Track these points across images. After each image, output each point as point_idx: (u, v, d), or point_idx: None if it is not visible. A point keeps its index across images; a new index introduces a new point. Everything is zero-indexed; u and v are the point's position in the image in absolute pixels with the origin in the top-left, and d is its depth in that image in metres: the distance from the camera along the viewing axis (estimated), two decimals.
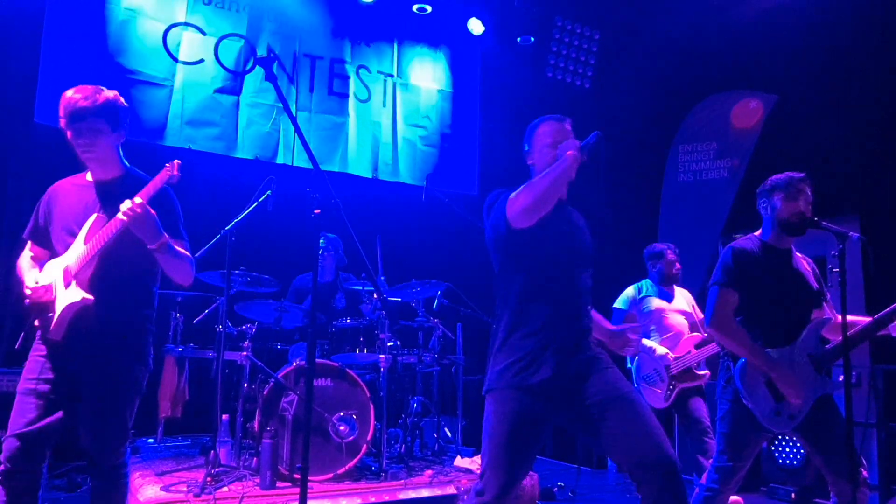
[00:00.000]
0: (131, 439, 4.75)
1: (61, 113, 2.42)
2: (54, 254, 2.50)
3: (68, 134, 2.43)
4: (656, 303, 4.35)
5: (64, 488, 4.37)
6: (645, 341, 4.20)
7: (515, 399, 2.28)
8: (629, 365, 4.56)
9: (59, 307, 2.35)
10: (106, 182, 2.53)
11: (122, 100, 2.53)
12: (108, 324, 2.41)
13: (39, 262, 2.55)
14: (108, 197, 2.46)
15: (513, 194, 2.35)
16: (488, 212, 2.52)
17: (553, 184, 2.26)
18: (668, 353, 4.13)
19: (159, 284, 2.69)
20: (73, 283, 2.34)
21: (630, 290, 4.49)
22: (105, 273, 2.40)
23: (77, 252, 2.38)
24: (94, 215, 2.39)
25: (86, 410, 2.41)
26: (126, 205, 2.25)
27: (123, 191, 2.41)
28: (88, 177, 2.56)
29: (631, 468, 2.18)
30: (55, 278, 2.41)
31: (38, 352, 2.42)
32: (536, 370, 2.26)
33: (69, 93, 2.42)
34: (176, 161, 2.40)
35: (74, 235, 2.42)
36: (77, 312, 2.34)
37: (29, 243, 2.63)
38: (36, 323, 2.41)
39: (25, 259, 2.60)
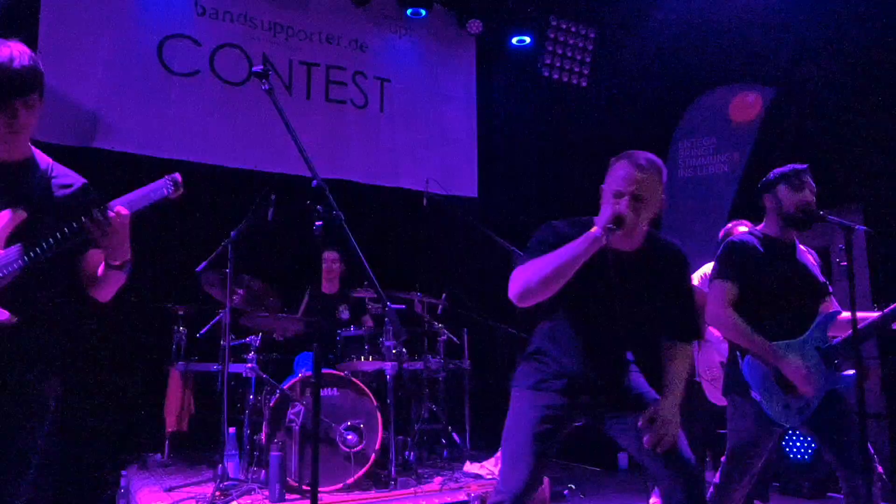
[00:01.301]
0: (138, 455, 4.79)
1: None
2: None
3: None
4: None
5: None
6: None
7: (537, 401, 2.30)
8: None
9: None
10: (8, 164, 1.91)
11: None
12: (13, 341, 1.84)
13: None
14: (19, 184, 1.91)
15: (519, 266, 2.24)
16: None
17: (558, 272, 2.13)
18: None
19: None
20: None
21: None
22: (25, 282, 1.85)
23: None
24: (7, 211, 1.84)
25: None
26: (107, 210, 1.82)
27: (31, 178, 1.94)
28: None
29: (653, 469, 2.22)
30: None
31: None
32: (557, 393, 2.28)
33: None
34: (176, 175, 2.00)
35: None
36: None
37: None
38: None
39: None
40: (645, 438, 2.14)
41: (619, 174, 2.22)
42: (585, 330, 2.31)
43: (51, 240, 1.80)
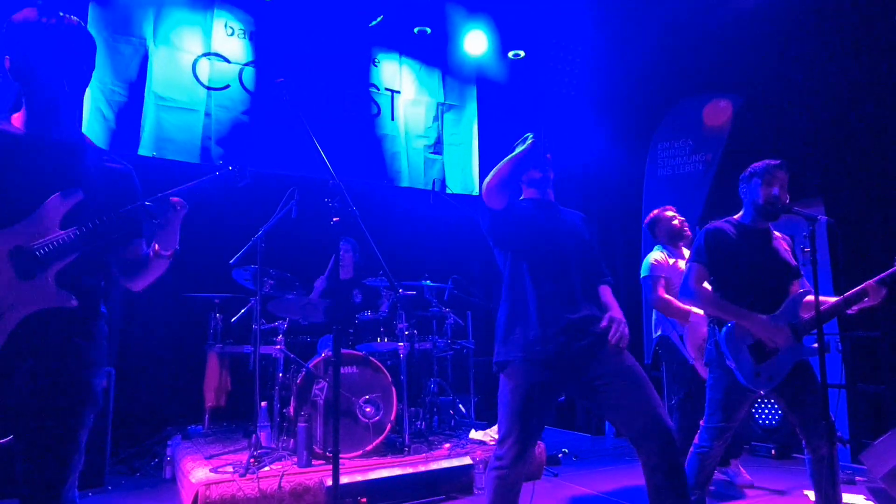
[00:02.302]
0: (182, 427, 4.81)
1: (18, 36, 1.61)
2: None
3: (22, 67, 1.62)
4: (682, 264, 3.81)
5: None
6: (694, 309, 3.62)
7: (525, 372, 2.29)
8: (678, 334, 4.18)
9: (14, 305, 1.54)
10: (57, 143, 1.69)
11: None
12: (62, 331, 1.65)
13: None
14: (69, 165, 1.69)
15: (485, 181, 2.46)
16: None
17: (508, 166, 2.40)
18: None
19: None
20: (38, 275, 1.57)
21: (659, 255, 3.90)
22: (73, 269, 1.65)
23: (42, 232, 1.60)
24: (81, 193, 1.65)
25: (28, 440, 1.62)
26: (170, 199, 1.71)
27: (82, 160, 1.72)
28: (18, 126, 1.68)
29: (632, 436, 2.22)
30: None
31: None
32: (541, 347, 2.28)
33: (32, 11, 1.62)
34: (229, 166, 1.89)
35: (16, 203, 1.59)
36: (45, 316, 1.59)
37: None
38: None
39: None
40: (609, 335, 2.29)
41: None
42: (542, 273, 2.40)
43: (108, 221, 1.64)
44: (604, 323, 2.31)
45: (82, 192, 1.65)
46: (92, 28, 4.89)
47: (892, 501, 3.48)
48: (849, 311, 2.77)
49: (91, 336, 1.72)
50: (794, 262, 2.89)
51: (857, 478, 4.09)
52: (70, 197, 1.63)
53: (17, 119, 1.69)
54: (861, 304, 2.73)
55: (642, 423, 2.16)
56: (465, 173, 6.83)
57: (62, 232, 1.60)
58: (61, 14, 1.65)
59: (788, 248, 2.93)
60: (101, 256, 1.75)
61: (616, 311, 2.40)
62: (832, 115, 4.98)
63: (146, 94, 5.17)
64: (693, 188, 5.86)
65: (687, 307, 3.65)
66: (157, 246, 1.75)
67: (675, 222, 4.01)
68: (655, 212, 4.12)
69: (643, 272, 3.93)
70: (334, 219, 2.00)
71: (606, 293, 2.53)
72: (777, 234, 2.95)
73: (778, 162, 2.84)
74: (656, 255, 3.93)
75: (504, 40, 6.56)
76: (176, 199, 1.71)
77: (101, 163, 1.76)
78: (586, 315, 2.35)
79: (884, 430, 3.88)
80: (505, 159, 2.42)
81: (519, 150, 2.43)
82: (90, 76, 1.74)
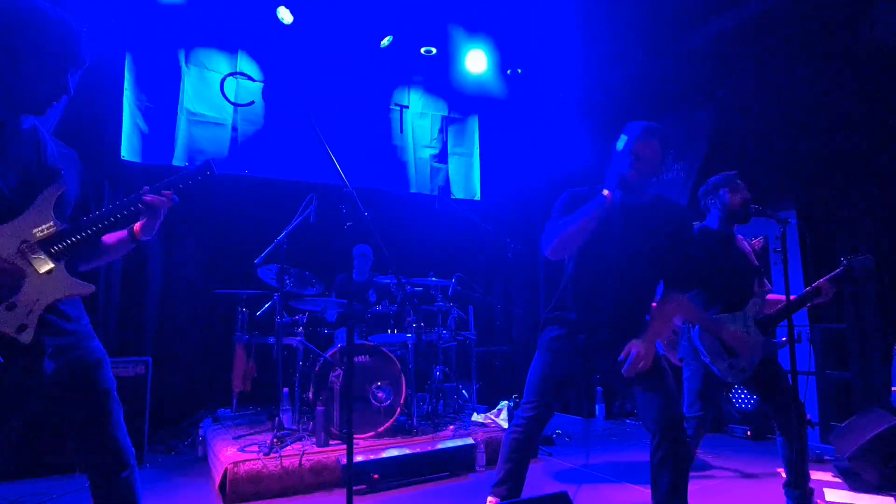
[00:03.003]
0: (212, 410, 4.82)
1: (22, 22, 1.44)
2: None
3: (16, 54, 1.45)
4: None
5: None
6: None
7: (552, 354, 2.29)
8: None
9: (38, 298, 1.47)
10: (26, 130, 1.57)
11: None
12: (72, 316, 1.61)
13: None
14: (31, 153, 1.56)
15: (548, 227, 2.19)
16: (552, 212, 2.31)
17: (580, 228, 2.11)
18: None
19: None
20: (55, 266, 1.50)
21: None
22: (84, 256, 1.65)
23: (44, 225, 1.50)
24: (61, 181, 1.57)
25: (83, 420, 1.63)
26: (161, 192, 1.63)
27: (41, 148, 1.60)
28: None
29: (648, 421, 2.19)
30: (5, 257, 1.44)
31: None
32: (578, 341, 2.25)
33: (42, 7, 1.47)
34: (212, 159, 1.74)
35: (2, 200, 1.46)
36: (51, 306, 1.52)
37: None
38: None
39: None
40: (624, 368, 2.14)
41: (628, 139, 2.19)
42: (598, 278, 2.23)
43: (115, 212, 1.58)
44: (622, 356, 2.14)
45: (66, 182, 1.57)
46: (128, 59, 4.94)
47: (858, 478, 3.46)
48: (806, 307, 2.78)
49: (81, 312, 1.68)
50: (756, 264, 2.88)
51: (826, 457, 4.06)
52: (58, 188, 1.55)
53: None
54: (816, 301, 2.74)
55: (658, 413, 2.15)
56: (467, 180, 6.82)
57: (67, 226, 1.54)
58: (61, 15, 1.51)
59: (751, 251, 2.92)
60: (95, 244, 1.68)
61: (642, 342, 2.14)
62: (804, 127, 4.95)
63: (179, 110, 5.19)
64: (676, 194, 5.83)
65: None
66: (137, 231, 1.68)
67: None
68: None
69: None
70: (348, 223, 2.00)
71: (666, 302, 2.28)
72: (740, 236, 2.94)
73: (735, 172, 2.84)
74: None
75: (503, 59, 6.54)
76: (168, 192, 1.64)
77: (56, 147, 1.66)
78: (617, 330, 2.21)
79: (850, 413, 3.87)
80: (571, 221, 2.11)
81: (591, 205, 2.11)
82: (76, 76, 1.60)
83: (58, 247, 1.50)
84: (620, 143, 2.21)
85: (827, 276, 2.75)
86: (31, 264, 1.46)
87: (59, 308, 1.56)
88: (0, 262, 1.43)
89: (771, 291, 2.89)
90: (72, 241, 1.53)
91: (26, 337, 1.44)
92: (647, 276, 2.27)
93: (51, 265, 1.49)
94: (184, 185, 1.68)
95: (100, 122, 4.82)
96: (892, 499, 3.18)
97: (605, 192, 2.10)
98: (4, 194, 1.46)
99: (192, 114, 5.25)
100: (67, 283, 1.53)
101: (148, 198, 1.60)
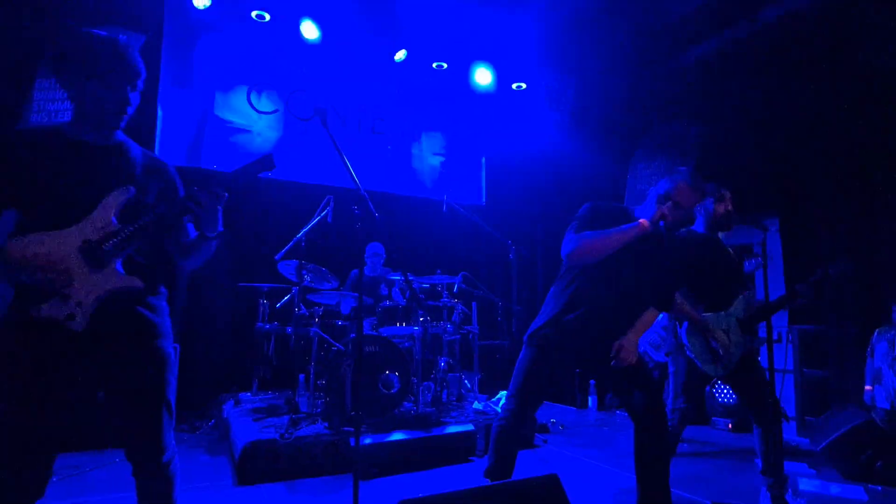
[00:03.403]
0: (234, 394, 4.89)
1: (90, 50, 1.57)
2: (29, 224, 1.54)
3: (84, 78, 1.57)
4: None
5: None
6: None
7: (539, 351, 2.29)
8: None
9: (91, 291, 1.53)
10: (104, 147, 1.66)
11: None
12: (136, 309, 1.67)
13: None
14: (117, 165, 1.66)
15: (574, 234, 2.17)
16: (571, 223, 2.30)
17: (608, 246, 2.12)
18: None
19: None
20: (107, 263, 1.56)
21: None
22: (141, 253, 1.68)
23: (103, 226, 1.56)
24: (127, 188, 1.61)
25: (128, 408, 1.68)
26: (207, 191, 1.65)
27: (127, 160, 1.69)
28: (69, 130, 1.63)
29: (631, 411, 2.23)
30: (65, 255, 1.52)
31: (29, 347, 1.52)
32: (565, 342, 2.24)
33: (94, 33, 1.59)
34: (271, 154, 1.73)
35: (76, 204, 1.56)
36: (116, 296, 1.58)
37: None
38: (35, 313, 1.49)
39: None
40: (613, 361, 2.17)
41: (671, 183, 2.21)
42: (599, 292, 2.23)
43: (159, 215, 1.62)
44: (613, 352, 2.18)
45: (133, 189, 1.63)
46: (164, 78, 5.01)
47: (831, 469, 3.47)
48: (785, 309, 2.79)
49: (155, 310, 1.73)
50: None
51: (802, 449, 4.07)
52: (123, 193, 1.61)
53: (72, 124, 1.65)
54: (796, 302, 2.75)
55: (641, 403, 2.19)
56: (473, 186, 6.86)
57: (121, 225, 1.59)
58: (109, 36, 1.62)
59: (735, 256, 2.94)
60: (156, 244, 1.75)
61: (629, 338, 2.17)
62: (787, 140, 4.96)
63: (210, 117, 5.27)
64: None
65: None
66: (202, 229, 1.73)
67: None
68: None
69: None
70: (358, 224, 2.05)
71: (645, 314, 2.29)
72: (723, 243, 2.96)
73: (718, 184, 2.86)
74: None
75: (507, 73, 6.59)
76: (210, 196, 1.66)
77: (141, 157, 1.74)
78: (608, 343, 2.22)
79: (826, 409, 3.88)
80: (601, 238, 2.10)
81: (627, 230, 2.11)
82: (136, 86, 1.68)
83: (110, 246, 1.56)
84: (664, 185, 2.23)
85: (805, 281, 2.77)
86: (85, 261, 1.54)
87: (132, 307, 1.64)
88: (58, 257, 1.51)
89: (754, 293, 2.91)
90: (121, 240, 1.57)
91: (77, 325, 1.51)
92: (640, 298, 2.29)
93: (102, 262, 1.56)
94: (244, 179, 1.70)
95: (133, 126, 4.89)
96: (861, 488, 3.19)
97: (644, 222, 2.11)
98: (82, 200, 1.57)
99: (221, 121, 5.33)
100: (116, 279, 1.58)
101: (197, 196, 1.64)
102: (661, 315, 3.99)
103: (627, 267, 2.21)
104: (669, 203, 2.15)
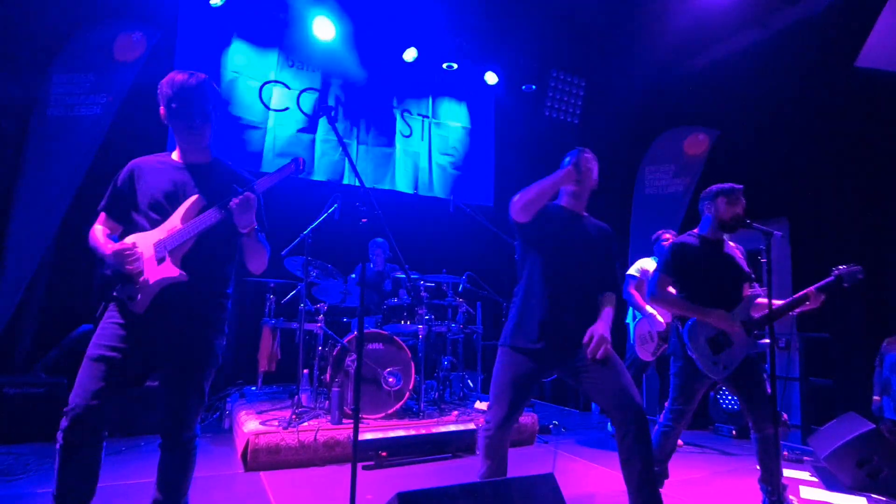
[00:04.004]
0: (239, 387, 4.92)
1: (171, 91, 1.90)
2: (132, 228, 1.92)
3: (173, 112, 1.91)
4: None
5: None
6: (648, 308, 4.07)
7: (516, 357, 2.29)
8: (627, 320, 4.49)
9: (150, 280, 1.82)
10: (198, 165, 2.00)
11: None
12: (192, 301, 1.91)
13: (111, 237, 1.93)
14: (203, 180, 1.97)
15: (519, 193, 2.32)
16: None
17: (542, 189, 2.24)
18: (662, 320, 4.05)
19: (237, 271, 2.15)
20: (167, 258, 1.84)
21: (648, 263, 4.31)
22: (197, 253, 1.90)
23: (171, 229, 1.87)
24: (195, 196, 1.91)
25: (167, 384, 1.89)
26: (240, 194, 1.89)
27: (215, 176, 2.00)
28: (175, 156, 2.01)
29: (607, 409, 2.22)
30: (143, 251, 1.85)
31: (112, 320, 1.84)
32: (534, 339, 2.26)
33: (180, 75, 1.93)
34: (301, 158, 2.06)
35: (163, 212, 1.90)
36: (167, 288, 1.85)
37: (102, 216, 1.97)
38: (117, 294, 1.83)
39: (100, 231, 1.93)
40: (587, 350, 2.18)
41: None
42: (554, 278, 2.29)
43: (201, 218, 1.89)
44: (585, 339, 2.21)
45: (204, 198, 1.92)
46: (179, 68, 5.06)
47: (833, 478, 3.43)
48: (793, 313, 2.74)
49: (209, 304, 1.96)
50: (746, 269, 2.87)
51: (805, 458, 4.03)
52: (193, 201, 1.91)
53: (176, 153, 2.03)
54: (803, 307, 2.70)
55: (615, 399, 2.16)
56: (482, 187, 6.86)
57: (183, 226, 1.88)
58: (196, 74, 1.95)
59: (741, 256, 2.91)
60: (221, 247, 2.00)
61: (600, 325, 2.23)
62: (796, 145, 4.92)
63: (222, 113, 5.32)
64: (675, 205, 5.82)
65: (642, 303, 4.11)
66: (238, 227, 1.92)
67: (666, 243, 4.21)
68: (659, 232, 4.39)
69: (630, 269, 4.37)
70: (363, 220, 2.06)
71: (606, 301, 2.36)
72: (731, 243, 2.92)
73: (741, 186, 2.82)
74: (646, 262, 4.34)
75: (519, 76, 6.59)
76: (248, 193, 1.89)
77: (228, 175, 2.03)
78: (580, 322, 2.26)
79: (831, 418, 3.82)
80: (537, 184, 2.24)
81: (555, 175, 2.27)
82: (216, 113, 2.01)
83: (168, 244, 1.86)
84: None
85: (816, 285, 2.72)
86: (153, 256, 1.85)
87: (190, 301, 1.90)
88: (140, 251, 1.84)
89: (760, 296, 2.87)
90: (174, 239, 1.87)
91: (138, 308, 1.83)
92: (589, 282, 2.36)
93: (163, 256, 1.85)
94: (271, 184, 1.99)
95: (146, 122, 4.94)
96: (864, 499, 3.15)
97: (570, 167, 2.30)
98: (166, 207, 1.91)
99: (232, 116, 5.38)
100: (168, 271, 1.85)
101: (231, 203, 1.88)
102: (661, 315, 4.01)
103: (569, 253, 2.32)
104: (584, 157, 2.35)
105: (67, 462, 1.70)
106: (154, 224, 1.89)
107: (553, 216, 2.38)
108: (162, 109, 1.95)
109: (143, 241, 1.86)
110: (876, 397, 4.06)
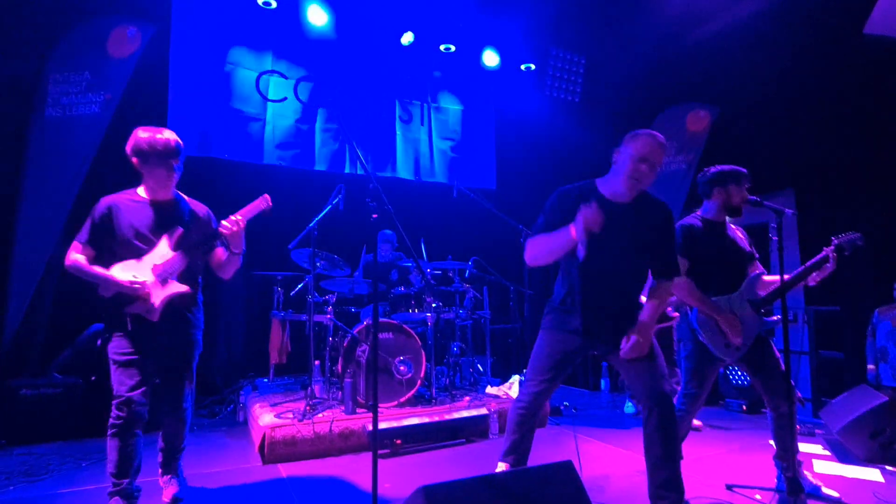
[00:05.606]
0: (251, 379, 4.96)
1: (151, 148, 2.34)
2: (108, 255, 2.37)
3: (150, 165, 2.37)
4: None
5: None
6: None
7: (558, 335, 2.34)
8: None
9: (160, 296, 2.36)
10: (163, 202, 2.48)
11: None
12: (183, 305, 2.47)
13: (93, 263, 2.38)
14: (174, 213, 2.49)
15: (530, 238, 2.29)
16: None
17: (550, 253, 2.22)
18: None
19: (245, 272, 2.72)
20: (169, 278, 2.39)
21: None
22: (187, 270, 2.46)
23: (164, 255, 2.38)
24: (180, 230, 2.42)
25: (167, 373, 2.50)
26: (229, 220, 2.39)
27: (179, 210, 2.51)
28: (141, 193, 2.47)
29: (640, 396, 2.25)
30: (145, 275, 2.36)
31: (122, 332, 2.36)
32: (578, 325, 2.29)
33: (161, 133, 2.37)
34: (266, 195, 2.49)
35: (146, 241, 2.38)
36: (173, 299, 2.40)
37: (79, 245, 2.39)
38: (128, 310, 2.34)
39: (83, 260, 2.37)
40: (622, 351, 2.21)
41: (641, 144, 2.28)
42: (591, 272, 2.27)
43: (195, 245, 2.48)
44: (623, 341, 2.22)
45: (182, 228, 2.46)
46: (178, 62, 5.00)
47: (846, 451, 3.45)
48: (811, 282, 2.73)
49: (193, 308, 2.58)
50: (749, 249, 2.85)
51: (817, 431, 4.05)
52: (175, 232, 2.45)
53: (142, 190, 2.49)
54: (822, 272, 2.69)
55: (645, 389, 2.21)
56: (484, 170, 6.80)
57: (175, 253, 2.42)
58: (164, 132, 2.40)
59: (743, 237, 2.89)
60: (197, 263, 2.56)
61: (640, 328, 2.21)
62: (799, 116, 4.85)
63: (221, 106, 5.26)
64: (678, 183, 5.76)
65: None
66: (230, 248, 2.51)
67: None
68: None
69: None
70: (374, 216, 2.03)
71: (653, 293, 2.34)
72: (732, 225, 2.90)
73: (745, 170, 2.79)
74: None
75: (517, 55, 6.49)
76: (241, 219, 2.42)
77: (188, 207, 2.57)
78: (618, 324, 2.27)
79: (842, 390, 3.83)
80: (552, 240, 2.15)
81: (558, 240, 2.13)
82: (180, 162, 2.48)
83: (169, 269, 2.42)
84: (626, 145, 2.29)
85: (834, 243, 2.71)
86: (156, 280, 2.39)
87: (180, 307, 2.48)
88: (140, 276, 2.36)
89: (765, 273, 2.85)
90: (175, 264, 2.43)
91: (153, 316, 2.38)
92: (635, 267, 2.33)
93: (166, 278, 2.40)
94: (248, 218, 2.47)
95: (144, 118, 4.88)
96: (877, 470, 3.17)
97: (572, 228, 2.05)
98: (150, 237, 2.41)
99: (234, 110, 5.32)
100: (174, 287, 2.43)
101: (221, 229, 2.42)
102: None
103: (611, 241, 2.19)
104: (593, 204, 2.02)
105: (122, 438, 2.28)
106: (139, 252, 2.38)
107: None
108: (134, 160, 2.38)
109: (140, 269, 2.37)
110: (871, 366, 4.07)
